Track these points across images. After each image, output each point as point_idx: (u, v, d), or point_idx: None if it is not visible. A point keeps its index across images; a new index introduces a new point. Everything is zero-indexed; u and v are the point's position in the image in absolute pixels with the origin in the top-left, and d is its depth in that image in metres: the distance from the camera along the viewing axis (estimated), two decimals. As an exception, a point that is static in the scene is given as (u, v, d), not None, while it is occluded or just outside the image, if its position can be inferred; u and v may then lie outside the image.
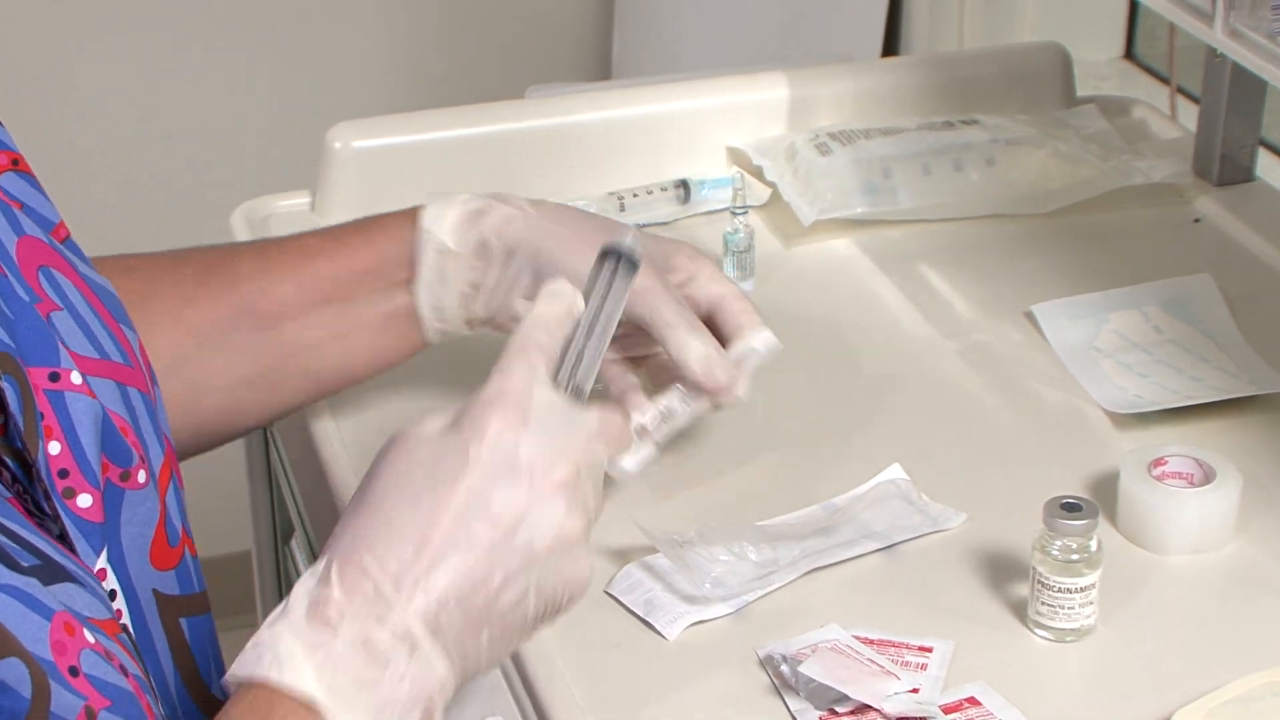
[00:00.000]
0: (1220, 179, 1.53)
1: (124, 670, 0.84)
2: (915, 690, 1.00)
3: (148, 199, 2.52)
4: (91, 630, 0.83)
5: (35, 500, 0.87)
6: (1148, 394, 1.27)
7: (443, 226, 1.18)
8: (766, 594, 1.09)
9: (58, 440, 0.89)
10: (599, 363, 0.98)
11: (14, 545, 0.82)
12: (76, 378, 0.92)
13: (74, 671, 0.81)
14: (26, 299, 0.93)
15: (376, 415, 1.28)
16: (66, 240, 1.02)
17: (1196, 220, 1.50)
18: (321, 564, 0.87)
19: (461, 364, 1.33)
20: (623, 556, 1.12)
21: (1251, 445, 1.21)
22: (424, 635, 0.86)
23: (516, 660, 1.05)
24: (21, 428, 0.87)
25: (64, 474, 0.89)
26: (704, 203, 1.52)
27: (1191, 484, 1.13)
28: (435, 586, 0.86)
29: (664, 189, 1.52)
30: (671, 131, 1.57)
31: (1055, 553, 1.04)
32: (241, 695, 0.84)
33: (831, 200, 1.48)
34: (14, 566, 0.81)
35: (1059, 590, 1.04)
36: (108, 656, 0.84)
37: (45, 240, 0.98)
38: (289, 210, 1.53)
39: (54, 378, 0.91)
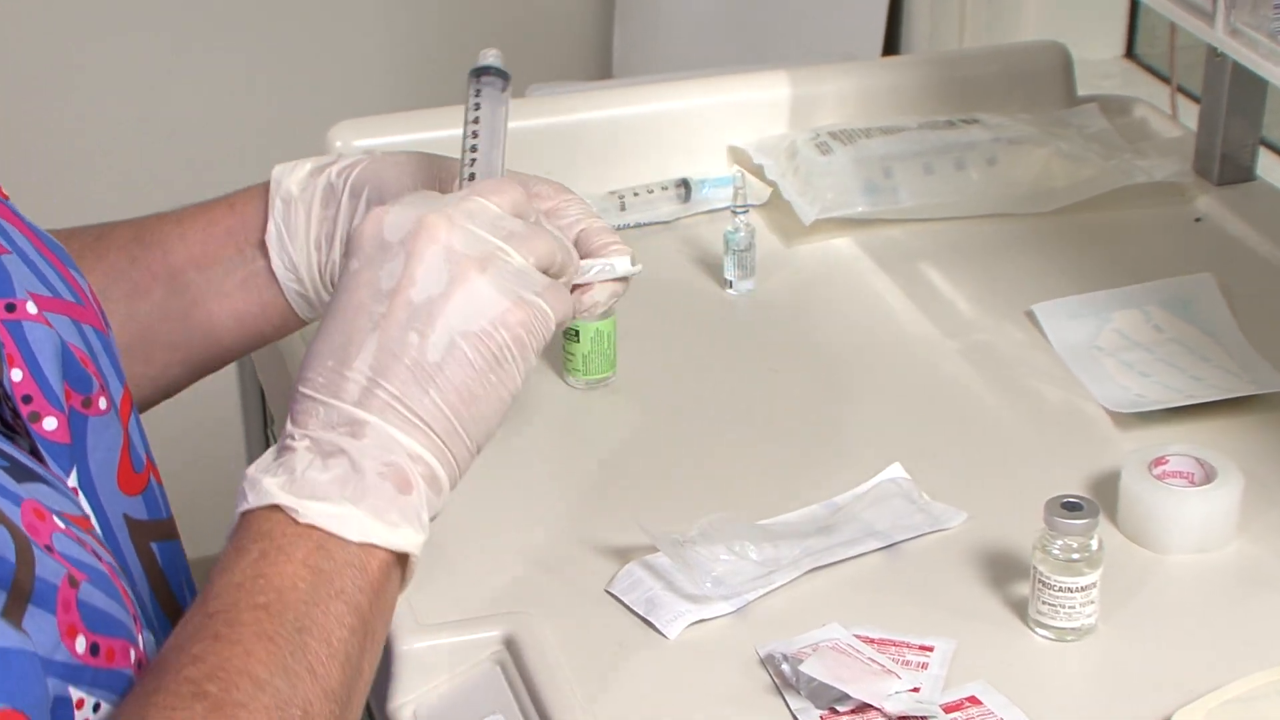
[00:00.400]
0: (1221, 178, 1.53)
1: (96, 555, 0.88)
2: (916, 689, 1.00)
3: (148, 199, 2.51)
4: (62, 520, 0.87)
5: (4, 420, 0.91)
6: (1149, 393, 1.26)
7: (291, 177, 1.16)
8: (767, 593, 1.09)
9: (19, 368, 0.92)
10: (491, 162, 1.01)
11: None
12: (33, 308, 0.95)
13: (49, 549, 0.84)
14: None
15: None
16: (7, 201, 1.04)
17: (1197, 219, 1.50)
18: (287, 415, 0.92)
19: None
20: (624, 555, 1.12)
21: (1253, 444, 1.21)
22: (364, 415, 0.90)
23: (517, 658, 1.05)
24: None
25: (28, 399, 0.92)
26: (705, 202, 1.52)
27: (1193, 483, 1.13)
28: (358, 374, 0.90)
29: (665, 188, 1.52)
30: (672, 130, 1.57)
31: (1056, 552, 1.04)
32: (234, 534, 0.90)
33: (832, 199, 1.48)
34: None
35: (1060, 589, 1.04)
36: (79, 541, 0.87)
37: None
38: (290, 209, 1.52)
39: (10, 308, 0.94)
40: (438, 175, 1.11)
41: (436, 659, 1.06)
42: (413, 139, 1.52)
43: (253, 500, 0.89)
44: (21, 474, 0.87)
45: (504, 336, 0.92)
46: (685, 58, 2.42)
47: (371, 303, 0.92)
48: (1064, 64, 1.64)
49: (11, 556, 0.81)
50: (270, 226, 1.15)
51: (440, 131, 1.53)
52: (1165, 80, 1.94)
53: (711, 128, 1.58)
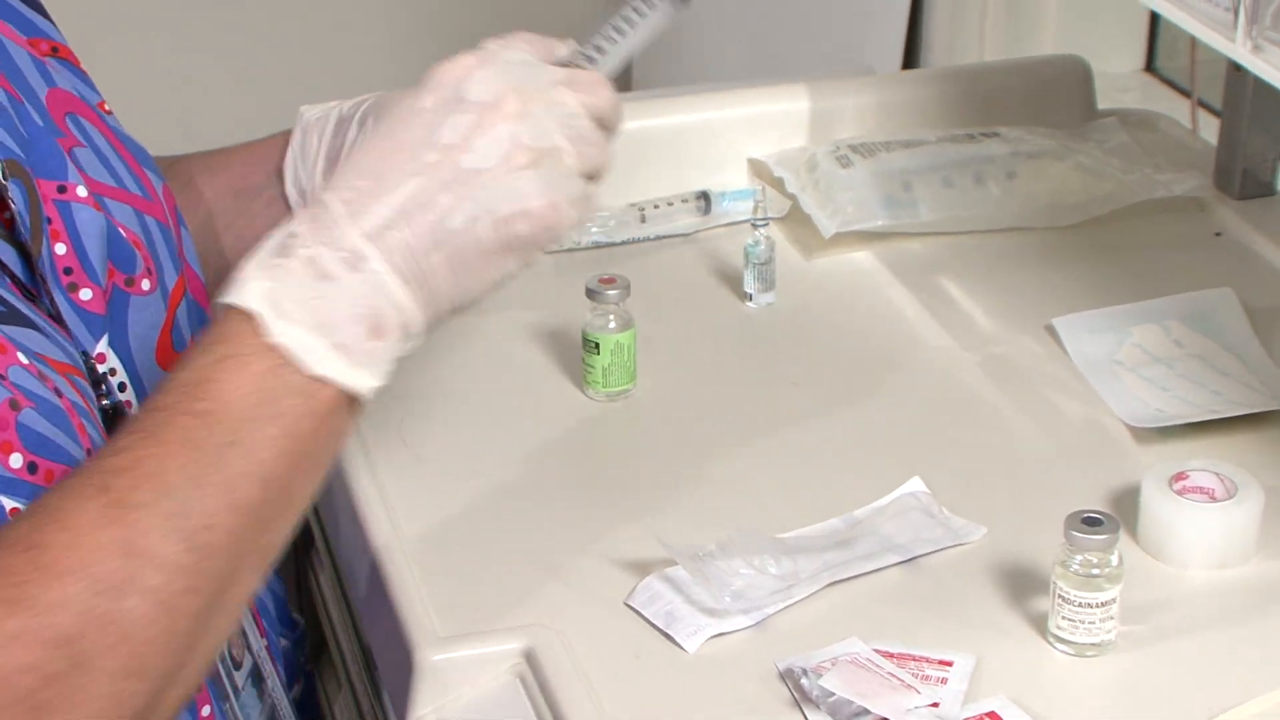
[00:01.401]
0: (1241, 192, 1.53)
1: (58, 393, 0.94)
2: (935, 705, 1.00)
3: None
4: (32, 359, 0.94)
5: (36, 288, 0.99)
6: (1169, 408, 1.26)
7: (312, 110, 1.21)
8: (787, 607, 1.09)
9: (64, 243, 1.01)
10: (619, 57, 1.03)
11: None
12: (83, 191, 1.03)
13: (1, 377, 0.91)
14: (42, 125, 1.04)
15: (397, 425, 1.28)
16: (110, 114, 1.13)
17: (1217, 234, 1.50)
18: (304, 209, 0.95)
19: (489, 371, 1.34)
20: (643, 569, 1.12)
21: (1274, 459, 1.21)
22: (370, 251, 0.92)
23: (537, 671, 1.05)
24: (28, 224, 0.98)
25: (68, 271, 1.01)
26: (725, 214, 1.52)
27: (1213, 499, 1.13)
28: (384, 207, 0.93)
29: (685, 200, 1.52)
30: (692, 143, 1.57)
31: (1076, 567, 1.04)
32: (211, 321, 0.94)
33: (852, 213, 1.48)
34: None
35: (1080, 605, 1.04)
36: (40, 377, 0.93)
37: (79, 98, 1.10)
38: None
39: (61, 189, 1.02)
40: None
41: (456, 671, 1.06)
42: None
43: (234, 298, 0.92)
44: (12, 319, 0.95)
45: (524, 228, 0.95)
46: (704, 70, 2.43)
47: (425, 147, 0.95)
48: (1084, 78, 1.64)
49: None
50: (288, 154, 1.20)
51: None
52: (1185, 94, 1.94)
53: (731, 140, 1.58)
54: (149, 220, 1.09)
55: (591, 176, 0.99)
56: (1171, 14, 1.28)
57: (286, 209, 1.20)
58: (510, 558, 1.15)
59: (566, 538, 1.16)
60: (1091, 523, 1.04)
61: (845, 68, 2.05)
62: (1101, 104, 1.65)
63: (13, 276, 0.99)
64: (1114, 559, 1.04)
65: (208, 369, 0.91)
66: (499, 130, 0.95)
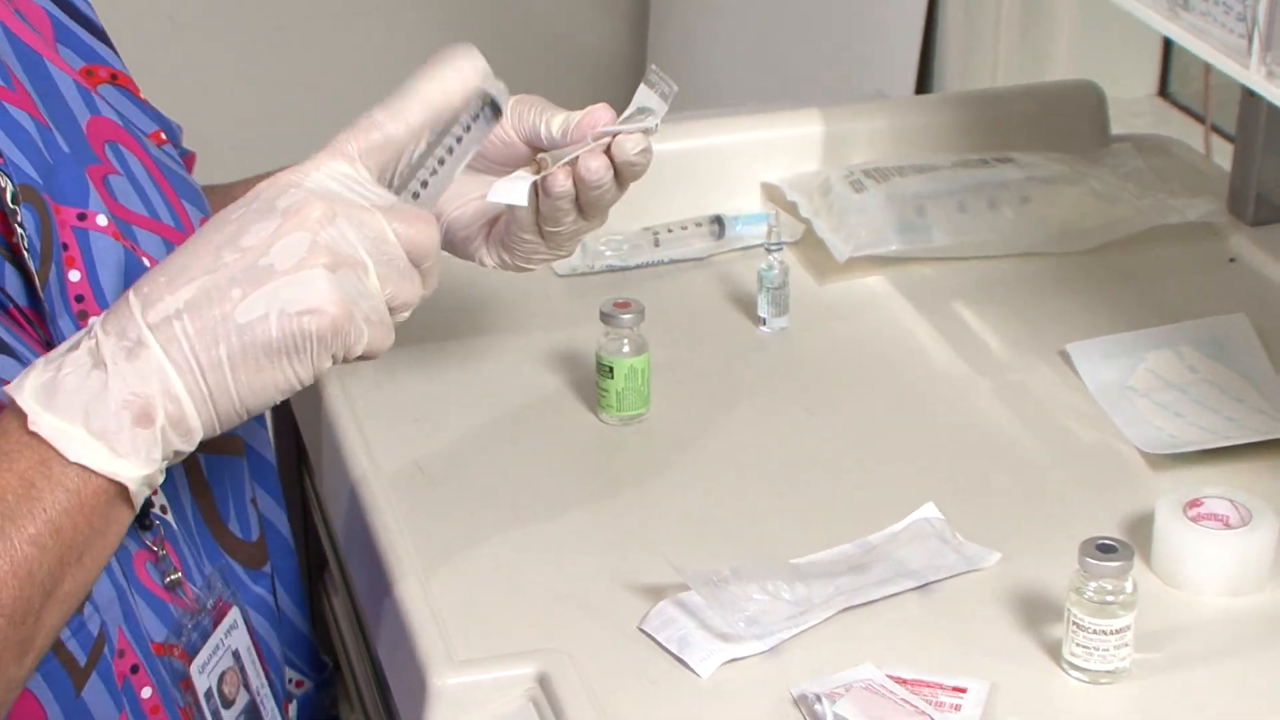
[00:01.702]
0: (1255, 218, 1.53)
1: None
2: (950, 731, 1.00)
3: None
4: None
5: (39, 314, 1.00)
6: (1183, 434, 1.26)
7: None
8: (800, 632, 1.09)
9: (78, 270, 1.02)
10: (443, 185, 1.03)
11: None
12: (103, 220, 1.04)
13: None
14: (69, 152, 1.05)
15: (411, 449, 1.28)
16: (164, 145, 1.16)
17: (1231, 260, 1.50)
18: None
19: (504, 395, 1.34)
20: (656, 593, 1.12)
21: (1287, 486, 1.21)
22: (150, 340, 0.92)
23: (550, 695, 1.05)
24: (38, 249, 0.99)
25: (80, 299, 1.02)
26: (738, 238, 1.53)
27: (1228, 526, 1.12)
28: (174, 299, 0.93)
29: (699, 224, 1.53)
30: (706, 167, 1.57)
31: (1090, 594, 1.04)
32: None
33: (866, 237, 1.48)
34: None
35: (1094, 632, 1.04)
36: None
37: (123, 126, 1.11)
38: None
39: (81, 217, 1.03)
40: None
41: (470, 695, 1.06)
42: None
43: (11, 389, 0.93)
44: None
45: (312, 328, 0.93)
46: (718, 94, 2.43)
47: (226, 249, 0.94)
48: (1098, 103, 1.64)
49: None
50: None
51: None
52: (1199, 119, 1.94)
53: (745, 164, 1.58)
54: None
55: (395, 308, 0.97)
56: (1186, 40, 1.28)
57: None
58: (524, 581, 1.15)
59: (580, 562, 1.16)
60: (1106, 549, 1.04)
61: (858, 92, 2.05)
62: (1115, 128, 1.65)
63: (13, 302, 1.00)
64: (1128, 586, 1.04)
65: None
66: (300, 235, 0.94)
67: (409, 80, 1.04)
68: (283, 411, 1.53)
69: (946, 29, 2.14)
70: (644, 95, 1.16)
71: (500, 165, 1.20)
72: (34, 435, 0.91)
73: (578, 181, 1.15)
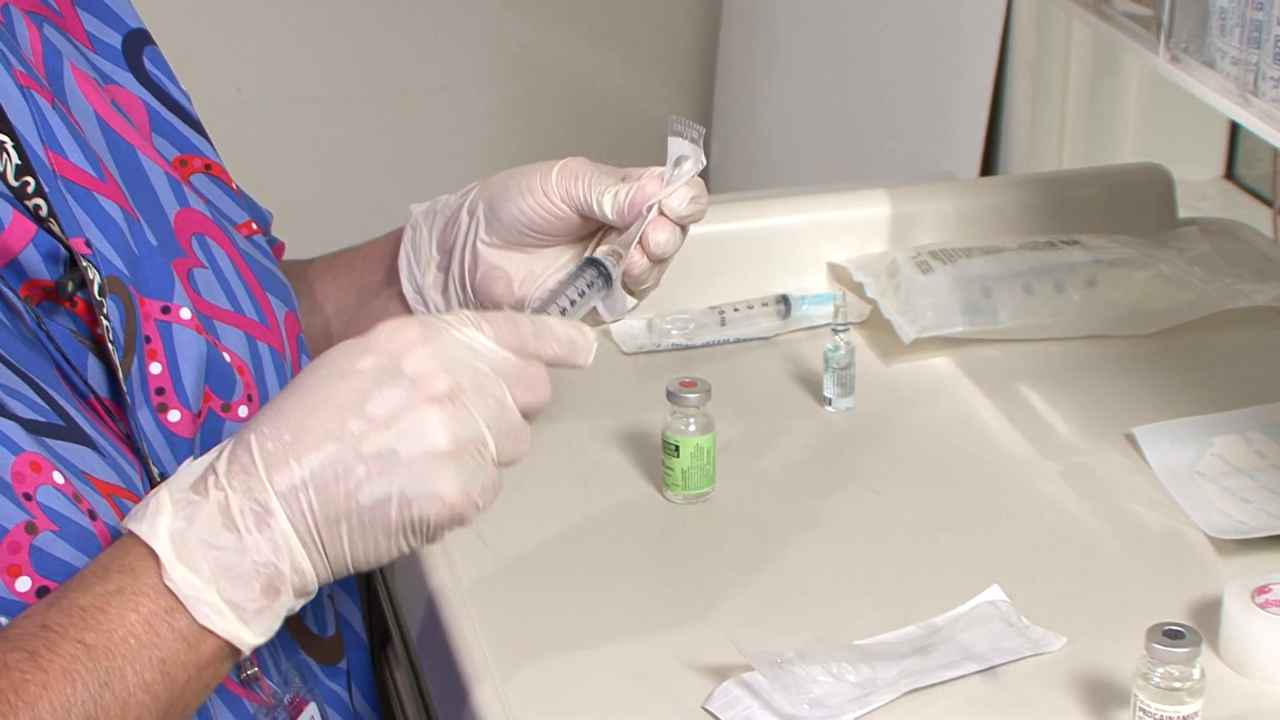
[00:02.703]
0: (1323, 303, 1.52)
1: (93, 515, 0.96)
2: (1015, 816, 1.00)
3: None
4: (72, 478, 0.95)
5: (120, 405, 1.01)
6: (1251, 520, 1.26)
7: (421, 206, 1.24)
8: (864, 714, 1.09)
9: (159, 363, 1.04)
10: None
11: (20, 403, 0.95)
12: (186, 314, 1.06)
13: (27, 497, 0.93)
14: (156, 244, 1.07)
15: (476, 523, 1.28)
16: (251, 236, 1.18)
17: (1299, 344, 1.50)
18: (230, 441, 0.96)
19: (569, 472, 1.34)
20: (720, 673, 1.12)
21: (1357, 574, 1.20)
22: (278, 510, 0.93)
23: (613, 775, 1.05)
24: (121, 342, 1.01)
25: (160, 391, 1.04)
26: (805, 318, 1.53)
27: (1296, 613, 1.12)
28: (299, 468, 0.93)
29: (765, 304, 1.53)
30: (772, 246, 1.58)
31: (1157, 680, 1.03)
32: (117, 542, 0.94)
33: (932, 318, 1.48)
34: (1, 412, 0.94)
35: (1160, 718, 1.03)
36: (75, 499, 0.95)
37: (211, 218, 1.13)
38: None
39: (165, 310, 1.05)
40: (540, 177, 1.17)
41: (534, 773, 1.06)
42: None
43: (144, 530, 0.93)
44: (65, 434, 0.97)
45: (430, 515, 0.95)
46: (782, 172, 2.44)
47: (351, 414, 0.95)
48: (1165, 186, 1.64)
49: None
50: (401, 252, 1.24)
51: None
52: (1266, 202, 1.94)
53: (811, 244, 1.58)
54: (261, 346, 1.11)
55: (504, 463, 0.99)
56: (1255, 126, 1.28)
57: (403, 306, 1.23)
58: (589, 658, 1.15)
59: (645, 639, 1.16)
60: (1173, 635, 1.03)
61: (925, 173, 2.06)
62: (1181, 210, 1.65)
63: (94, 393, 1.01)
64: (1195, 672, 1.03)
65: (103, 598, 0.92)
66: (425, 414, 0.95)
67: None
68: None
69: (1013, 110, 2.14)
70: (676, 146, 1.17)
71: (553, 236, 1.19)
72: (164, 584, 0.92)
73: (652, 257, 1.16)
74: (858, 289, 1.53)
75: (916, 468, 1.35)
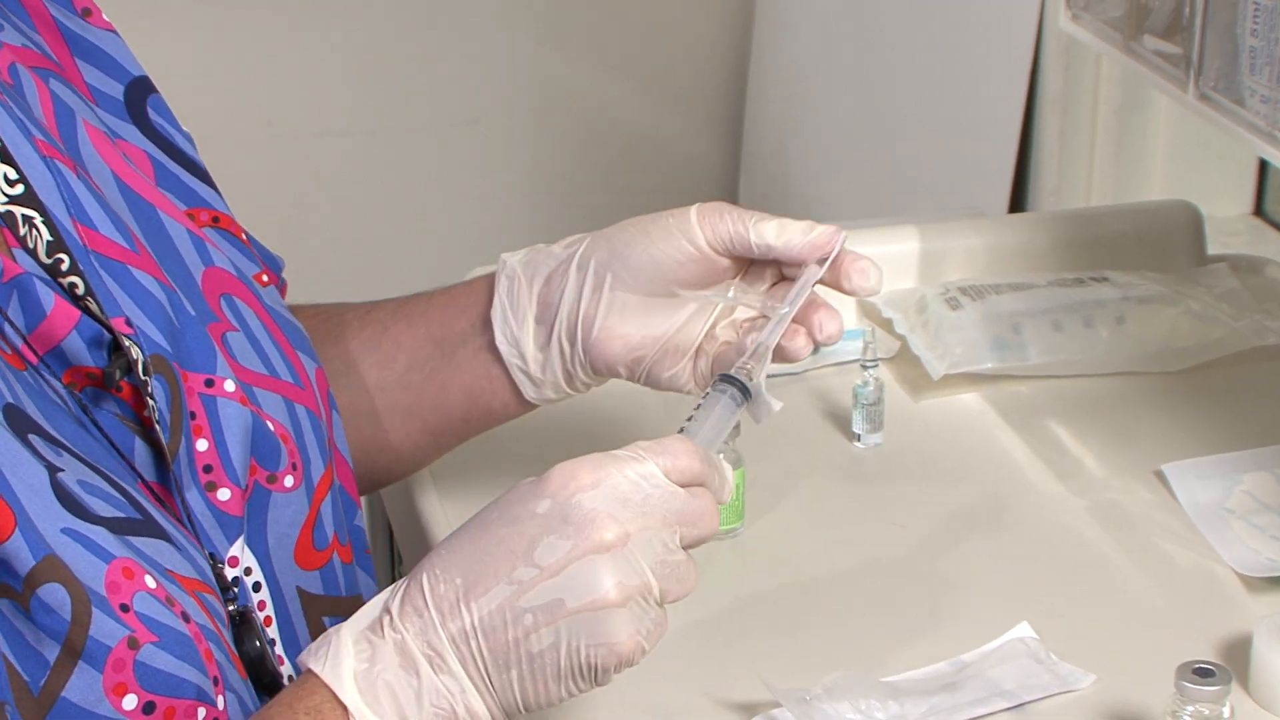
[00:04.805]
0: (1353, 340, 1.52)
1: (185, 617, 0.94)
2: None
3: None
4: (160, 578, 0.94)
5: (167, 488, 0.99)
6: (1280, 557, 1.25)
7: (515, 256, 1.21)
8: (893, 751, 1.09)
9: (205, 439, 1.02)
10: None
11: (101, 500, 0.93)
12: (230, 385, 1.04)
13: (124, 608, 0.92)
14: (194, 314, 1.05)
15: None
16: (267, 286, 1.15)
17: (1329, 382, 1.49)
18: (402, 581, 0.96)
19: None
20: (748, 710, 1.12)
21: (1387, 612, 1.19)
22: (452, 656, 0.94)
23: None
24: (168, 422, 0.99)
25: (208, 469, 1.02)
26: (833, 354, 1.53)
27: (1326, 651, 1.12)
28: (471, 614, 0.94)
29: (793, 340, 1.53)
30: (801, 282, 1.58)
31: (1187, 718, 1.03)
32: (298, 680, 0.95)
33: (961, 355, 1.48)
34: (84, 516, 0.92)
35: (1191, 756, 1.03)
36: (167, 602, 0.93)
37: (236, 275, 1.11)
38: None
39: (209, 384, 1.03)
40: (673, 220, 1.15)
41: (563, 809, 1.06)
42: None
43: (327, 673, 0.94)
44: (144, 529, 0.95)
45: (601, 661, 0.95)
46: (811, 208, 2.44)
47: (522, 559, 0.95)
48: (1194, 223, 1.64)
49: (67, 615, 0.90)
50: (495, 303, 1.20)
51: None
52: (1295, 239, 1.94)
53: (840, 280, 1.58)
54: (299, 410, 1.09)
55: (666, 598, 0.98)
56: (1284, 163, 1.28)
57: (494, 359, 1.20)
58: (616, 696, 1.15)
59: (673, 676, 1.16)
60: (1203, 673, 1.03)
61: (954, 209, 2.06)
62: (1210, 246, 1.65)
63: (142, 477, 0.99)
64: (1225, 711, 1.03)
65: None
66: (594, 563, 0.94)
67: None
68: (378, 516, 1.54)
69: (1041, 147, 2.15)
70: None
71: (690, 283, 1.17)
72: None
73: (819, 340, 1.15)
74: (887, 325, 1.54)
75: (945, 504, 1.35)
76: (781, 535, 1.31)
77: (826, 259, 1.15)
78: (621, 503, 0.96)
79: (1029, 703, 1.13)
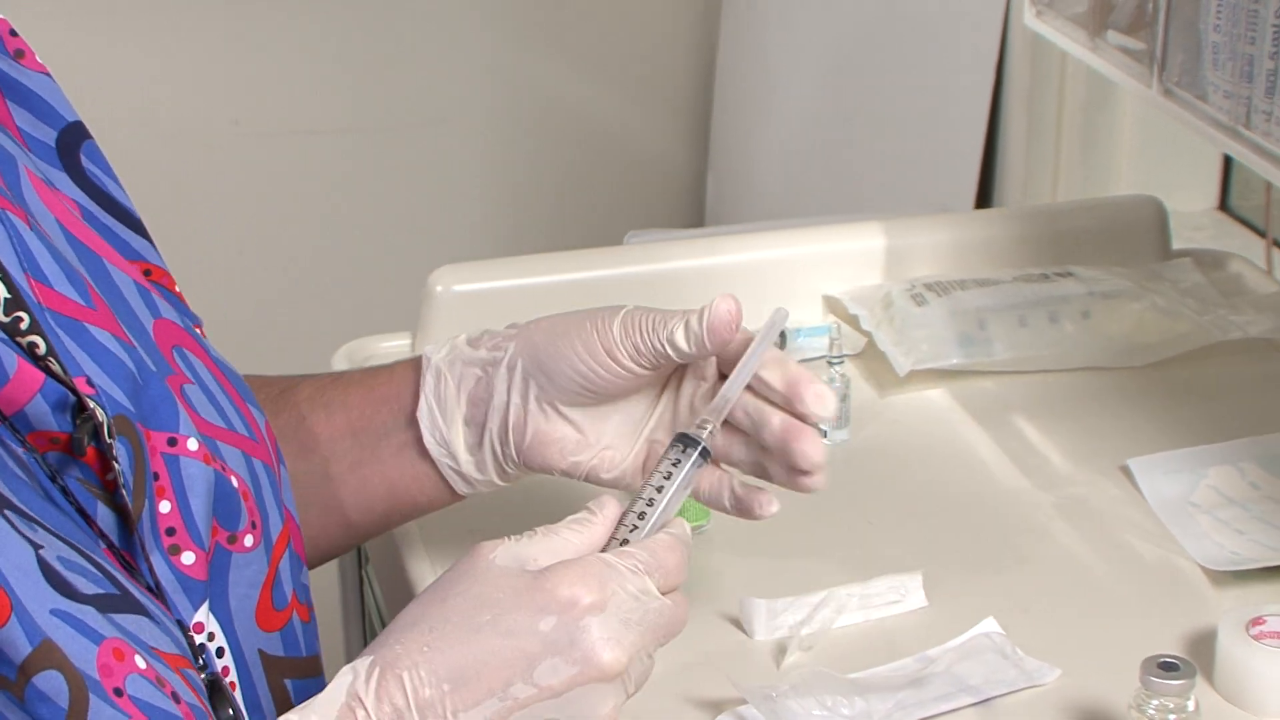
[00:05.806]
0: (1317, 335, 1.53)
1: (175, 697, 0.89)
2: None
3: (252, 338, 2.56)
4: (148, 657, 0.89)
5: (132, 553, 0.94)
6: (1245, 551, 1.26)
7: (440, 353, 1.17)
8: (859, 747, 1.09)
9: (169, 500, 0.96)
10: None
11: (82, 577, 0.88)
12: (193, 444, 0.98)
13: (118, 692, 0.86)
14: (155, 370, 0.99)
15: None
16: (198, 334, 1.08)
17: (1293, 375, 1.50)
18: (365, 664, 0.92)
19: (567, 508, 1.34)
20: (715, 708, 1.12)
21: (1351, 605, 1.20)
22: None
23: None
24: (131, 486, 0.93)
25: (171, 532, 0.96)
26: (799, 351, 1.53)
27: (1290, 644, 1.12)
28: None
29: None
30: (767, 278, 1.58)
31: (1152, 712, 1.03)
32: None
33: (927, 350, 1.49)
34: (72, 595, 0.87)
35: (1155, 750, 1.03)
36: (158, 683, 0.89)
37: (182, 326, 1.06)
38: (390, 351, 1.55)
39: (172, 443, 0.98)
40: (598, 336, 1.11)
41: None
42: (512, 284, 1.55)
43: None
44: (124, 605, 0.89)
45: None
46: (778, 205, 2.44)
47: (520, 675, 0.94)
48: (1159, 218, 1.64)
49: (64, 704, 0.85)
50: (421, 401, 1.16)
51: (540, 277, 1.56)
52: (1260, 233, 1.94)
53: (806, 277, 1.59)
54: (256, 464, 1.04)
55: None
56: (1247, 158, 1.29)
57: (420, 455, 1.16)
58: (583, 693, 1.15)
59: (639, 673, 1.16)
60: (1168, 667, 1.03)
61: (920, 206, 2.06)
62: (1175, 241, 1.65)
63: (107, 541, 0.94)
64: (1190, 704, 1.03)
65: None
66: (598, 691, 0.95)
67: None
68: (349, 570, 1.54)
69: (1007, 143, 2.15)
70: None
71: (618, 395, 1.14)
72: None
73: (801, 473, 1.15)
74: (853, 321, 1.54)
75: (912, 500, 1.35)
76: (747, 532, 1.30)
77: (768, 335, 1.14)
78: (624, 625, 0.96)
79: (995, 698, 1.13)
